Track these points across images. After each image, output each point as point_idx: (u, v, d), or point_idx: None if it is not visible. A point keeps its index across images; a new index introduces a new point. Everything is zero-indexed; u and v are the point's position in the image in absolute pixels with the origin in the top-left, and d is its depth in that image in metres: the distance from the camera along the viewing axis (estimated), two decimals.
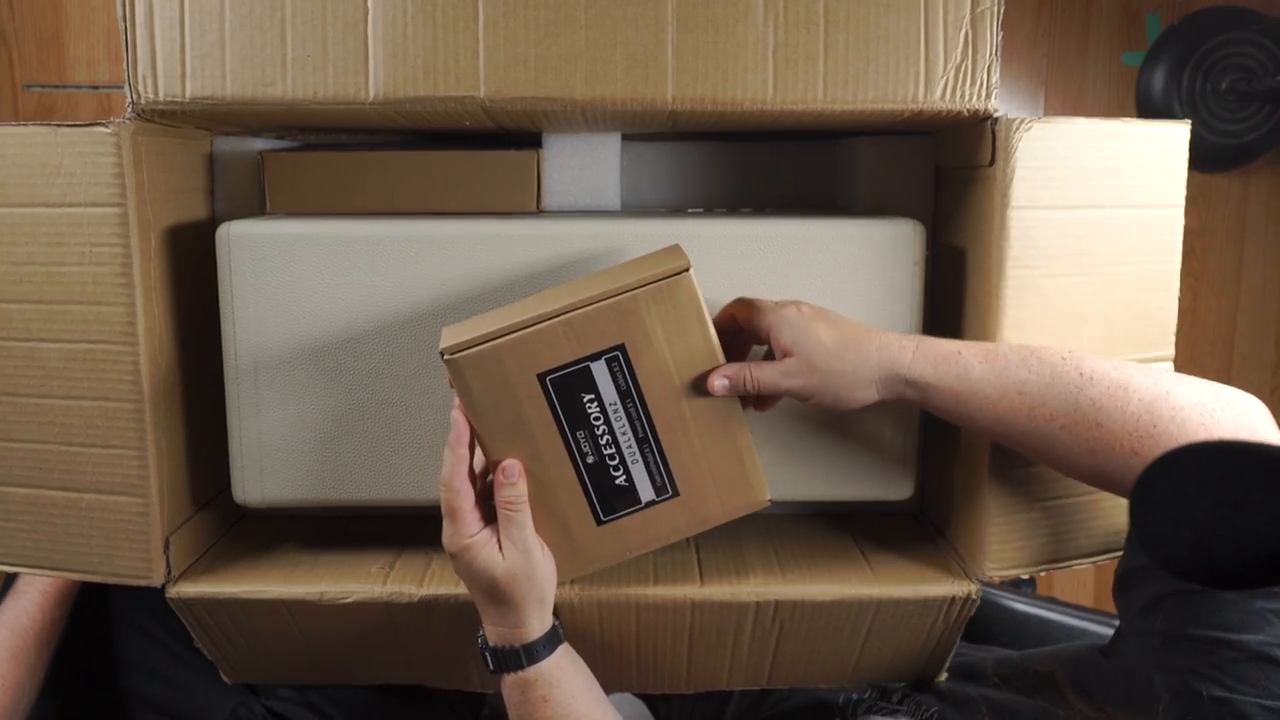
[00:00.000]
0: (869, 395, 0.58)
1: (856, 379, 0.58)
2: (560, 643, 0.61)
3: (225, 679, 0.75)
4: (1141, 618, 0.57)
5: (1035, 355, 0.57)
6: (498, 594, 0.58)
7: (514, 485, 0.58)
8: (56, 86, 1.67)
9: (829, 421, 0.69)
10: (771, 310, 0.59)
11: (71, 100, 1.67)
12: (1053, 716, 0.61)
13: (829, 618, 0.68)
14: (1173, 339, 0.68)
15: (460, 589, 0.66)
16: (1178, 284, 0.68)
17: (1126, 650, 0.60)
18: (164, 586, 0.66)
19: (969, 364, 0.57)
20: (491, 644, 0.60)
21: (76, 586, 0.85)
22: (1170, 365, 0.69)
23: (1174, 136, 0.66)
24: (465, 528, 0.57)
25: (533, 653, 0.59)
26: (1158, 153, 0.66)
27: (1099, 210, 0.64)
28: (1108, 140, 0.64)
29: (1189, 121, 0.67)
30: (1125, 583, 0.59)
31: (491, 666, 0.60)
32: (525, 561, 0.58)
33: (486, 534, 0.58)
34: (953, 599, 0.66)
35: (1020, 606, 1.01)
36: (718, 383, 0.57)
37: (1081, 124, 0.63)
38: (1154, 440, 0.53)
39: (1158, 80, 1.69)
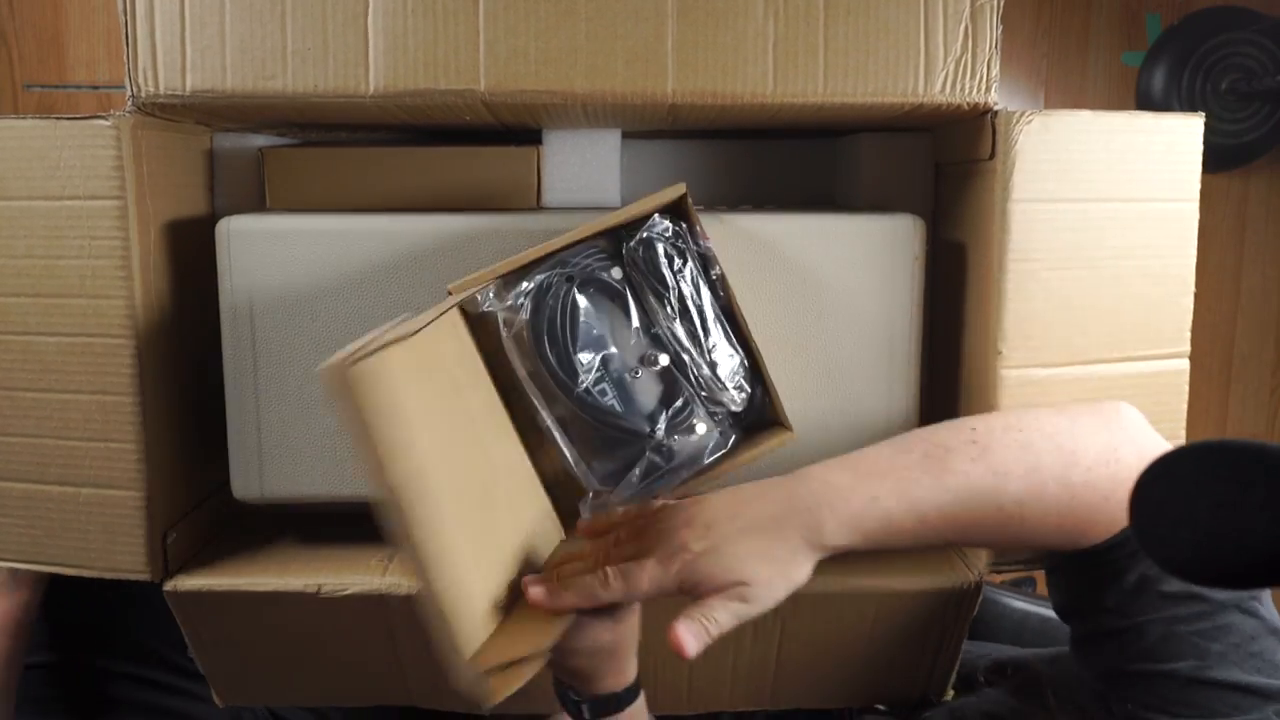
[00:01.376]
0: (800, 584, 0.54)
1: (792, 584, 0.53)
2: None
3: (218, 700, 0.74)
4: (1076, 654, 0.58)
5: (947, 469, 0.53)
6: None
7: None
8: (56, 86, 1.67)
9: (829, 419, 0.69)
10: (666, 581, 0.52)
11: (72, 100, 1.67)
12: (1032, 717, 0.61)
13: (830, 612, 0.67)
14: (1188, 335, 0.67)
15: None
16: (1193, 279, 0.66)
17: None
18: (161, 581, 0.66)
19: (887, 511, 0.53)
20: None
21: (33, 618, 0.82)
22: (1186, 363, 0.67)
23: (1185, 130, 0.65)
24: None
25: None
26: (1167, 146, 0.65)
27: (1104, 204, 0.64)
28: (1112, 133, 0.63)
29: (1202, 115, 0.65)
30: (1062, 617, 0.60)
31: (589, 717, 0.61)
32: None
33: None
34: (953, 590, 0.66)
35: (1020, 605, 1.00)
36: (684, 643, 0.51)
37: (1085, 116, 0.63)
38: (1074, 513, 0.53)
39: (1158, 80, 1.69)
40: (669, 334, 0.62)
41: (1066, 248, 0.64)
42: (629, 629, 0.58)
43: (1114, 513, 0.52)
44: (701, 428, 0.63)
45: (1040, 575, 1.61)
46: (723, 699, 0.72)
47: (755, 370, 0.63)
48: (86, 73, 1.66)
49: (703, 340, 0.62)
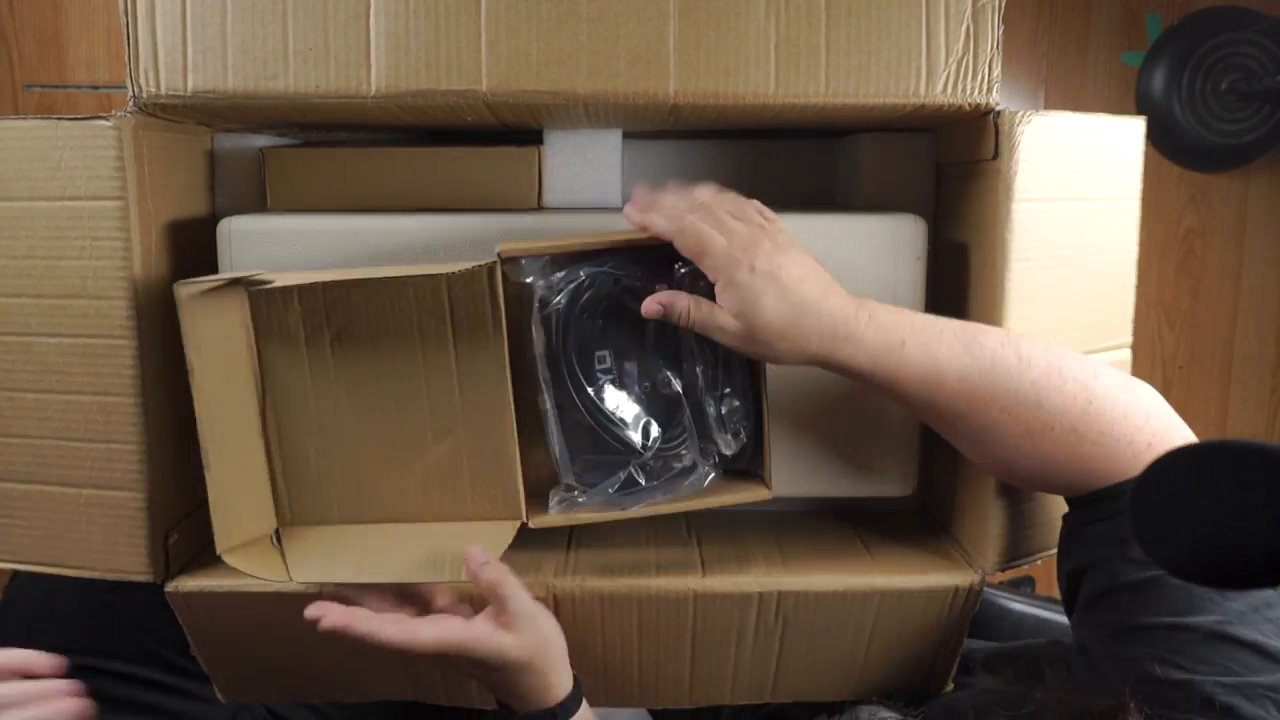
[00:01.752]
0: (797, 364, 0.58)
1: (790, 356, 0.57)
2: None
3: (219, 696, 0.74)
4: (1085, 613, 0.58)
5: (977, 341, 0.57)
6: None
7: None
8: (57, 86, 1.67)
9: (830, 419, 0.69)
10: (722, 266, 0.56)
11: (72, 100, 1.67)
12: (1028, 697, 0.61)
13: (832, 611, 0.67)
14: (1131, 327, 0.71)
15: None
16: (1135, 273, 0.70)
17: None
18: (163, 582, 0.66)
19: (909, 357, 0.56)
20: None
21: None
22: (1128, 353, 0.70)
23: (1132, 131, 0.69)
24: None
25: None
26: (1123, 147, 0.68)
27: (1083, 203, 0.66)
28: (1091, 134, 0.65)
29: (1143, 118, 0.69)
30: (1073, 581, 0.60)
31: None
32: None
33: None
34: (955, 589, 0.66)
35: (1019, 606, 1.00)
36: (651, 307, 0.57)
37: (1070, 117, 0.64)
38: (1091, 416, 0.55)
39: (1158, 80, 1.69)
40: (688, 363, 0.63)
41: (1057, 246, 0.65)
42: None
43: (1131, 435, 0.54)
44: (688, 459, 0.64)
45: (1040, 574, 1.61)
46: (724, 694, 0.73)
47: (758, 422, 0.64)
48: (87, 73, 1.66)
49: (718, 379, 0.63)
